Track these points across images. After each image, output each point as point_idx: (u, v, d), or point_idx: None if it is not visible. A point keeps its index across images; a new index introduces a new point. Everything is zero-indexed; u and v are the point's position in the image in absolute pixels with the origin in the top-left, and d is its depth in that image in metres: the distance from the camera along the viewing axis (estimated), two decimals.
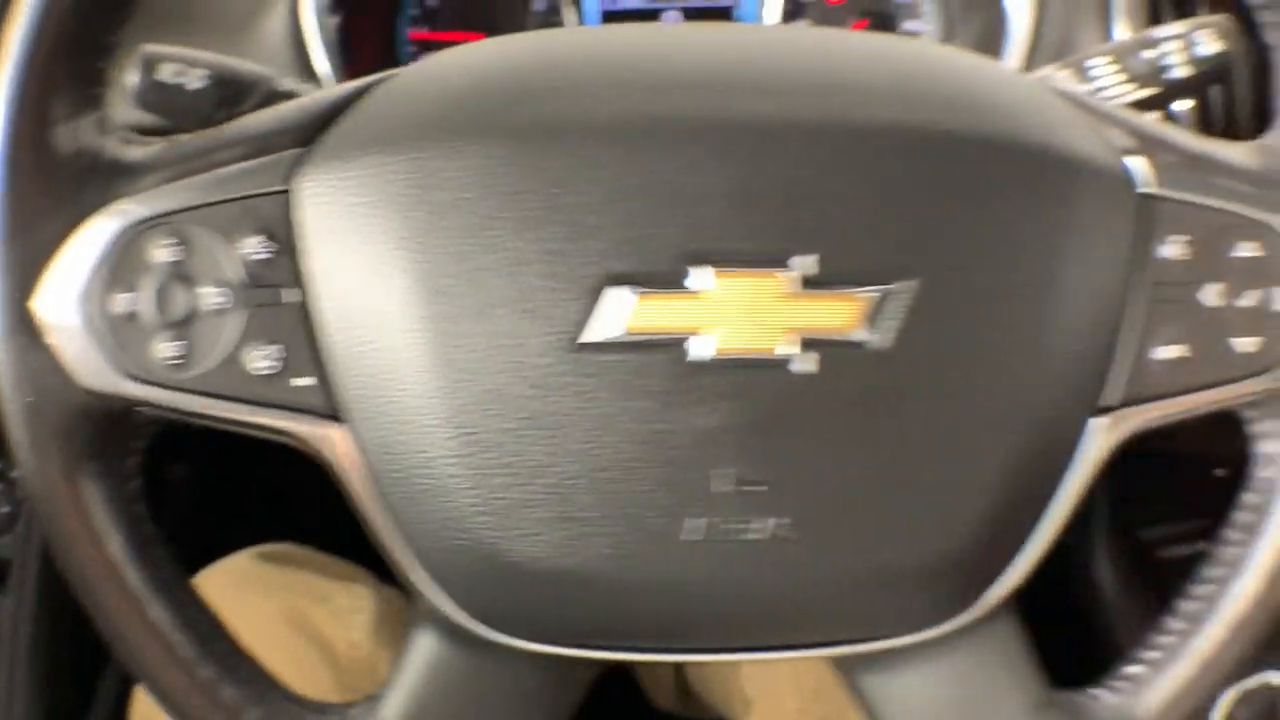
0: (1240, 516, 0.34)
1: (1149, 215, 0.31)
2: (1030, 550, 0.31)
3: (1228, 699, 0.59)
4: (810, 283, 0.28)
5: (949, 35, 0.63)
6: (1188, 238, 0.31)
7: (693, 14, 0.64)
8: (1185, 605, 0.34)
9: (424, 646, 0.32)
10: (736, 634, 0.32)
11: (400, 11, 0.65)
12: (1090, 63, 0.44)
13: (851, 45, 0.33)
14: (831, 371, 0.28)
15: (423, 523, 0.29)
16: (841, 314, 0.28)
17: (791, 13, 0.63)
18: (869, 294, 0.28)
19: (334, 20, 0.59)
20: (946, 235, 0.29)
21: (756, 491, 0.28)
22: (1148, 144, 0.32)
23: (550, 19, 0.63)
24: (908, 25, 0.63)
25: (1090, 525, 0.73)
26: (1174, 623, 0.34)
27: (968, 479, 0.29)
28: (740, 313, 0.28)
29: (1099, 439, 0.31)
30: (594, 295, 0.28)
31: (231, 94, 0.39)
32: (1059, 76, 0.44)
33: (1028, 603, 0.33)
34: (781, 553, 0.29)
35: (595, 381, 0.28)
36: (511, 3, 0.64)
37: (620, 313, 0.28)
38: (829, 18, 0.63)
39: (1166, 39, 0.45)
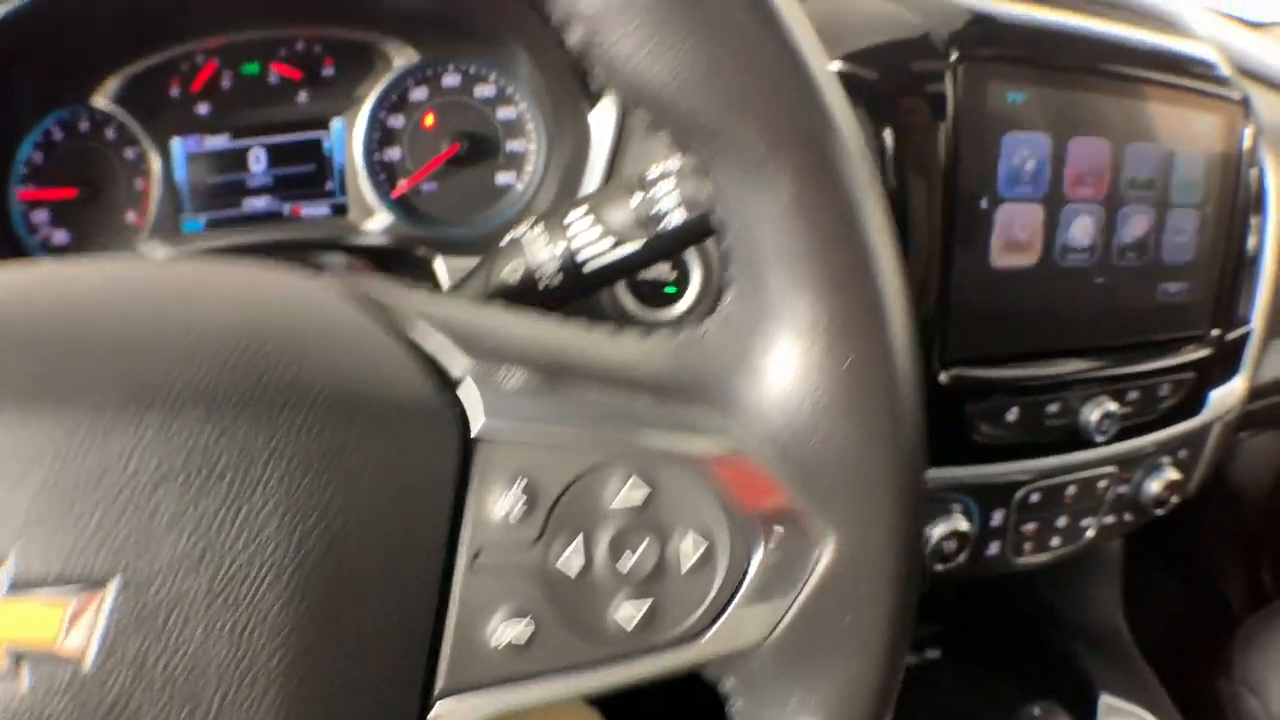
0: None
1: (478, 461, 0.26)
2: None
3: None
4: (19, 585, 0.23)
5: (550, 152, 0.58)
6: (525, 485, 0.26)
7: (280, 149, 0.58)
8: None
9: None
10: None
11: (11, 172, 0.61)
12: (569, 217, 0.39)
13: (118, 287, 0.26)
14: (43, 692, 0.24)
15: None
16: (44, 622, 0.24)
17: (381, 140, 0.58)
18: (67, 598, 0.24)
19: None
20: (157, 523, 0.24)
21: None
22: (493, 363, 0.26)
23: (140, 167, 0.59)
24: (512, 145, 0.59)
25: None
26: None
27: None
28: None
29: None
30: None
31: None
32: (531, 235, 0.39)
33: None
34: None
35: None
36: (105, 155, 0.61)
37: None
38: (420, 142, 0.58)
39: (661, 177, 0.39)
